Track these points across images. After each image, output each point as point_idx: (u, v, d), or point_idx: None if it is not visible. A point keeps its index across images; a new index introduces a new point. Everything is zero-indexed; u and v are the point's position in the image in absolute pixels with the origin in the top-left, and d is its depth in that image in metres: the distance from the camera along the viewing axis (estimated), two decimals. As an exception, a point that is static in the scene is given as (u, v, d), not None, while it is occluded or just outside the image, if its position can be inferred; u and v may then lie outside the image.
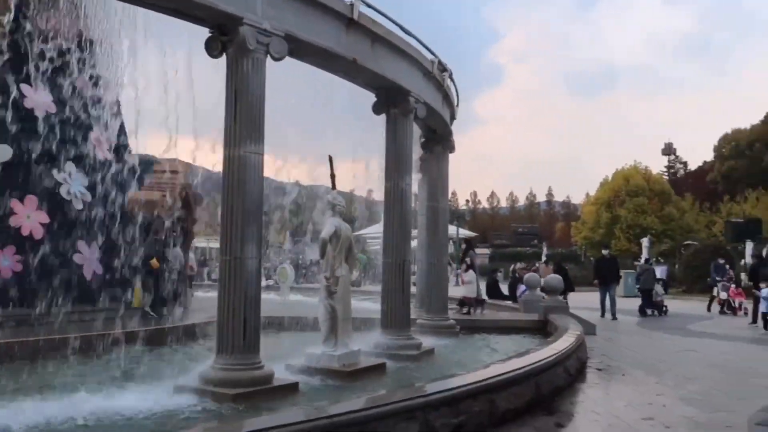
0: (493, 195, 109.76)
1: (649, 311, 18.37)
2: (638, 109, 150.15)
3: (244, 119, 6.75)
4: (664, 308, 18.74)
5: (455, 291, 16.22)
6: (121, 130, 13.32)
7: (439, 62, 10.52)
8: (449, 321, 12.31)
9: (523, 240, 77.76)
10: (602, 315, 16.81)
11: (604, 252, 21.47)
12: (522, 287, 16.02)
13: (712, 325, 15.46)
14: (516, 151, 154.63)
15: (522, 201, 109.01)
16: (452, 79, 11.57)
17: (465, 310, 14.15)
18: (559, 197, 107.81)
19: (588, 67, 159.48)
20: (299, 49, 7.50)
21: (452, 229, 46.22)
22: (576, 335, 8.97)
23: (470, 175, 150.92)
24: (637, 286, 20.82)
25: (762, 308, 14.48)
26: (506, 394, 6.03)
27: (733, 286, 19.16)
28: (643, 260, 27.93)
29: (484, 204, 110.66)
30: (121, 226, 11.87)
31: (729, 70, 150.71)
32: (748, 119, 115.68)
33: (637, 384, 7.93)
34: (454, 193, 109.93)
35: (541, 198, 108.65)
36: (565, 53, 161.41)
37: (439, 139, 12.29)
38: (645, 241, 37.10)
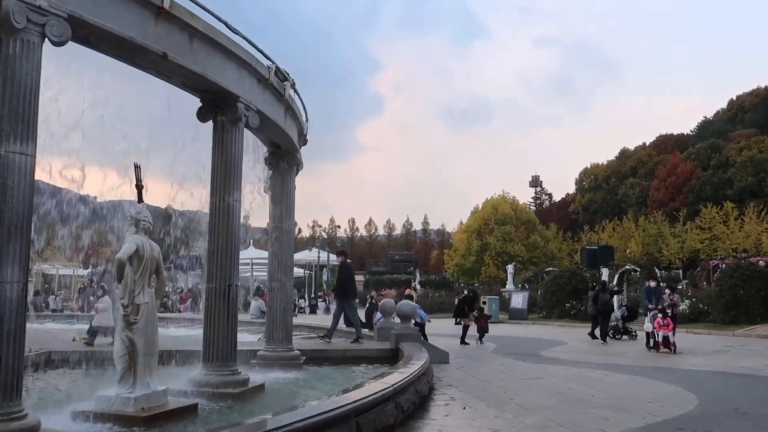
0: (371, 222, 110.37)
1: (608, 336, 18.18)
2: (509, 143, 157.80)
3: (7, 112, 5.53)
4: (630, 332, 18.30)
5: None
6: None
7: (278, 69, 9.68)
8: (293, 352, 11.35)
9: (399, 267, 78.30)
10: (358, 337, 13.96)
11: (339, 259, 16.10)
12: (378, 314, 15.37)
13: (564, 351, 15.52)
14: (395, 180, 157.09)
15: (399, 229, 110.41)
16: (296, 91, 10.77)
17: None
18: (434, 225, 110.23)
19: (464, 100, 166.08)
20: (92, 35, 6.39)
21: (327, 256, 45.50)
22: (416, 367, 8.29)
23: (349, 203, 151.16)
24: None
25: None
26: (316, 440, 5.16)
27: (659, 316, 15.20)
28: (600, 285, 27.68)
29: (362, 231, 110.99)
30: None
31: (589, 109, 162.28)
32: (605, 155, 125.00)
33: (475, 418, 7.33)
34: (332, 220, 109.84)
35: (417, 226, 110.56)
36: (442, 87, 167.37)
37: (283, 154, 11.43)
38: (510, 268, 38.14)
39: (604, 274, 29.64)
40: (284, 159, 11.47)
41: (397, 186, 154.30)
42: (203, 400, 7.75)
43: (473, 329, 17.34)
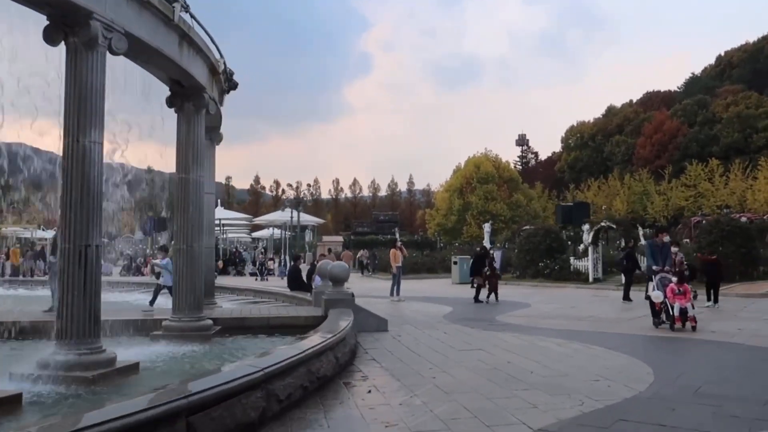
0: (355, 183, 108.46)
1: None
2: (498, 102, 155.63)
3: None
4: None
5: None
6: None
7: (161, -14, 8.02)
8: (203, 321, 9.96)
9: (384, 227, 77.23)
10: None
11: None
12: (317, 277, 13.96)
13: (523, 315, 14.18)
14: (381, 140, 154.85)
15: (384, 189, 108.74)
16: (195, 18, 9.12)
17: None
18: (420, 185, 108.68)
19: (453, 59, 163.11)
20: None
21: (297, 216, 44.00)
22: (313, 343, 6.86)
23: (335, 164, 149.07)
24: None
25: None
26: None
27: (674, 280, 11.51)
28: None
29: (347, 192, 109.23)
30: None
31: (578, 67, 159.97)
32: (591, 113, 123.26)
33: (374, 406, 5.93)
34: (316, 181, 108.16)
35: (402, 186, 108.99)
36: (431, 45, 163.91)
37: (188, 94, 9.84)
38: (486, 227, 36.74)
39: (585, 232, 28.29)
40: (189, 100, 9.89)
41: (382, 146, 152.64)
42: (49, 385, 6.35)
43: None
